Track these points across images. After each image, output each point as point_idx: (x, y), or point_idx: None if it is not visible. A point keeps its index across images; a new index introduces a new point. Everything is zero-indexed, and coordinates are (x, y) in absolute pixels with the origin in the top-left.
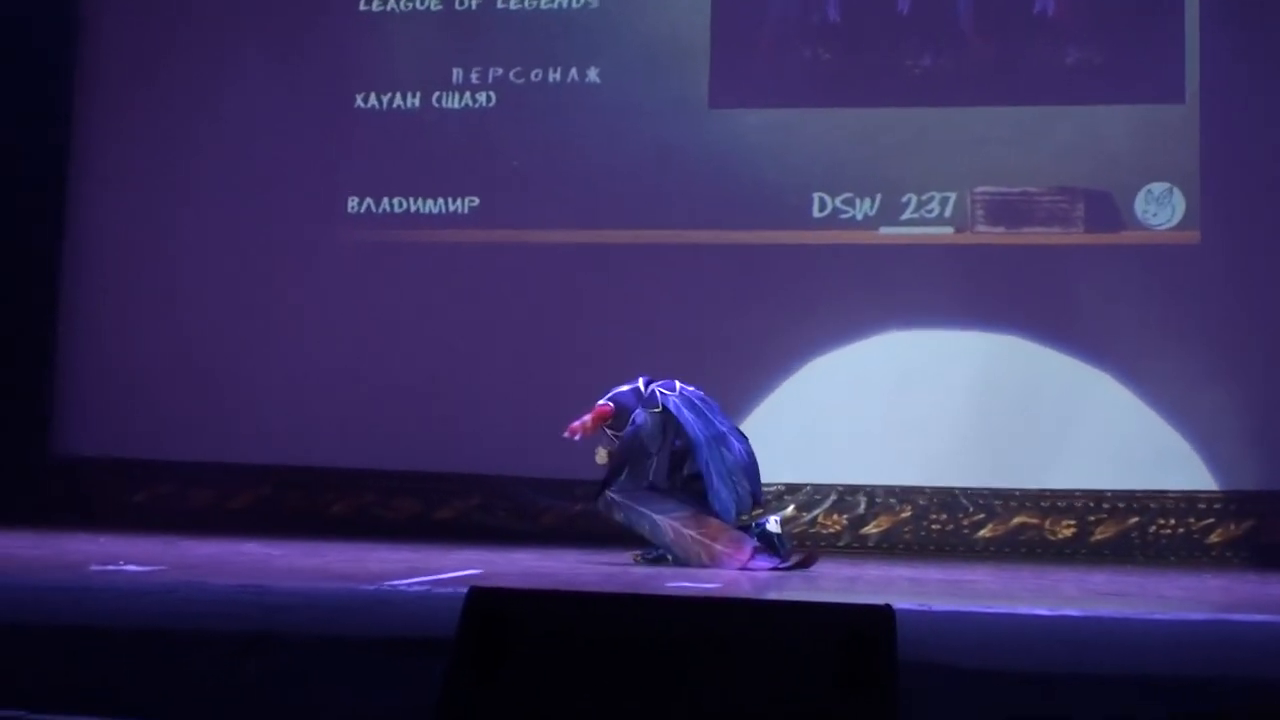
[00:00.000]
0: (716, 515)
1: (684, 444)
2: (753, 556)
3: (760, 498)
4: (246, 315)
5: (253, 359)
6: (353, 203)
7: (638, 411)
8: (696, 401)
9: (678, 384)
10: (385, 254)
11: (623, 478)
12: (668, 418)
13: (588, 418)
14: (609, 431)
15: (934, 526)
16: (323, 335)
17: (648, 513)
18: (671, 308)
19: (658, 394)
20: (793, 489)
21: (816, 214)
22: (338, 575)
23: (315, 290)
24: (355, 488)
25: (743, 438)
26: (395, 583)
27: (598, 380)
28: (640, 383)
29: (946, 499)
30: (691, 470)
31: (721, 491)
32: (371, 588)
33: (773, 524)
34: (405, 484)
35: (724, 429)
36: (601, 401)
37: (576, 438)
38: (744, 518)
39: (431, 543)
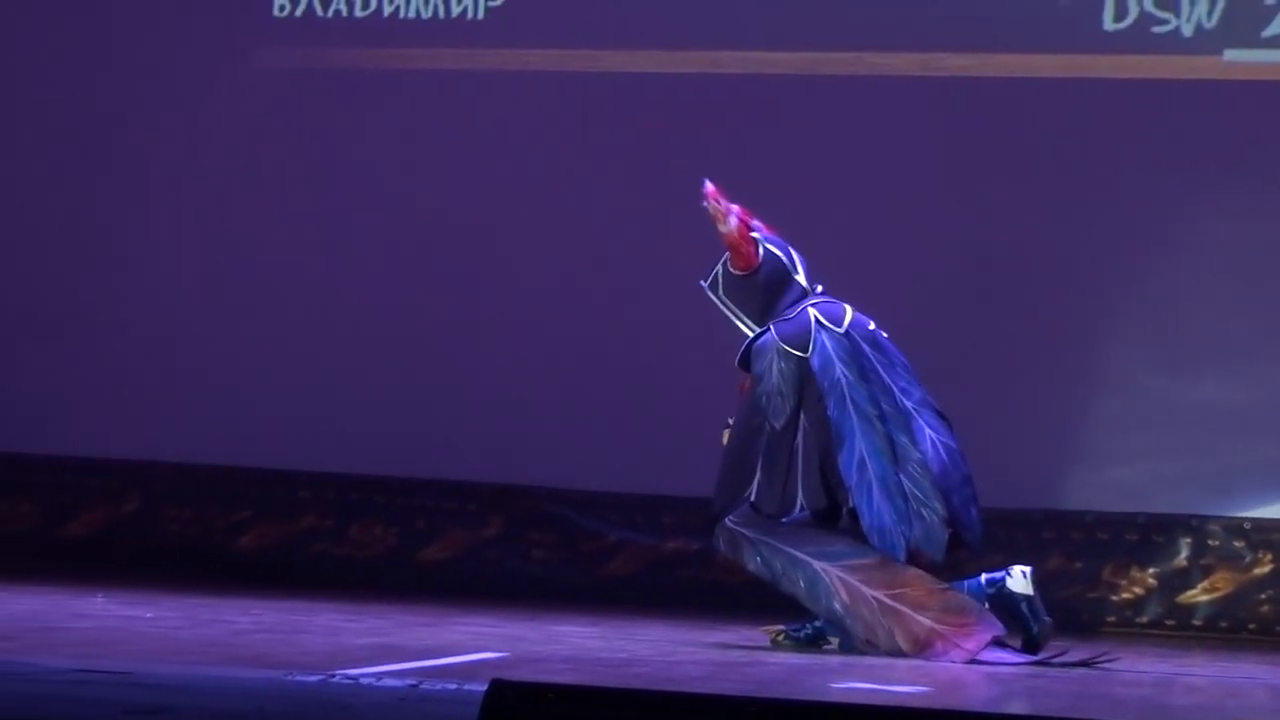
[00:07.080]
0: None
1: (820, 421)
2: (991, 643)
3: (973, 530)
4: (81, 194)
5: (89, 268)
6: (282, 1)
7: (766, 338)
8: (866, 349)
9: (848, 311)
10: (337, 88)
11: (751, 492)
12: (807, 375)
13: (739, 209)
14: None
15: None
16: (217, 229)
17: (800, 556)
18: (829, 190)
19: (810, 321)
20: (1051, 519)
21: (1110, 25)
22: (257, 657)
23: (212, 151)
24: (278, 502)
25: (944, 423)
26: (358, 670)
27: (689, 314)
28: (801, 266)
29: None
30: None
31: (883, 510)
32: (316, 679)
33: (1018, 580)
34: (370, 498)
35: (908, 405)
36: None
37: (718, 204)
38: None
39: (418, 600)
